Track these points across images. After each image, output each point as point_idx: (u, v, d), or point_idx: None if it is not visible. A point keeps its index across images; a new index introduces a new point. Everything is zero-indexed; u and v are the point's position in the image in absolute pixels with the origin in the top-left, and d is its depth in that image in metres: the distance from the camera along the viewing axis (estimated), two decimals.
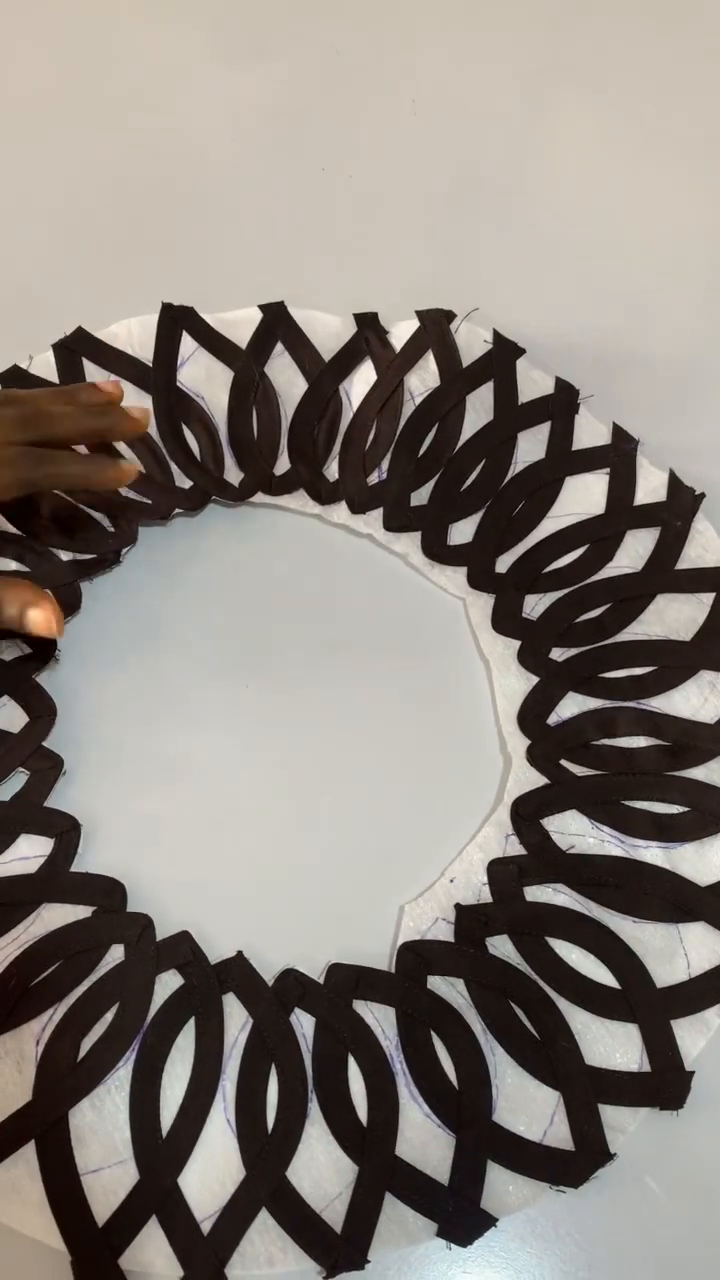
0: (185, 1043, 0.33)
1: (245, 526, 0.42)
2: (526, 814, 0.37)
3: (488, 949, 0.35)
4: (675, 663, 0.39)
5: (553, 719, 0.38)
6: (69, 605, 0.39)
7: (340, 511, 0.42)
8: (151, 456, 0.42)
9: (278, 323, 0.44)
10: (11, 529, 0.40)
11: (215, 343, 0.43)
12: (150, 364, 0.43)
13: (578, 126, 0.52)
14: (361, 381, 0.43)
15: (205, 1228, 0.30)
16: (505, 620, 0.40)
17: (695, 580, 0.41)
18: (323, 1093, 0.32)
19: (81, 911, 0.35)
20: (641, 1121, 0.33)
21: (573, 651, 0.40)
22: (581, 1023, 0.34)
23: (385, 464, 0.42)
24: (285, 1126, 0.32)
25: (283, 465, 0.42)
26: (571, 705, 0.39)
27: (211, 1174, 0.31)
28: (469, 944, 0.34)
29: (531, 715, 0.38)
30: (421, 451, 0.42)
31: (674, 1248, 0.31)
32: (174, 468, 0.42)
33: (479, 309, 0.44)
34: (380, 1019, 0.33)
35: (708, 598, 0.40)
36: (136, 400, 0.43)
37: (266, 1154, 0.31)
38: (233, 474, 0.42)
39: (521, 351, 0.43)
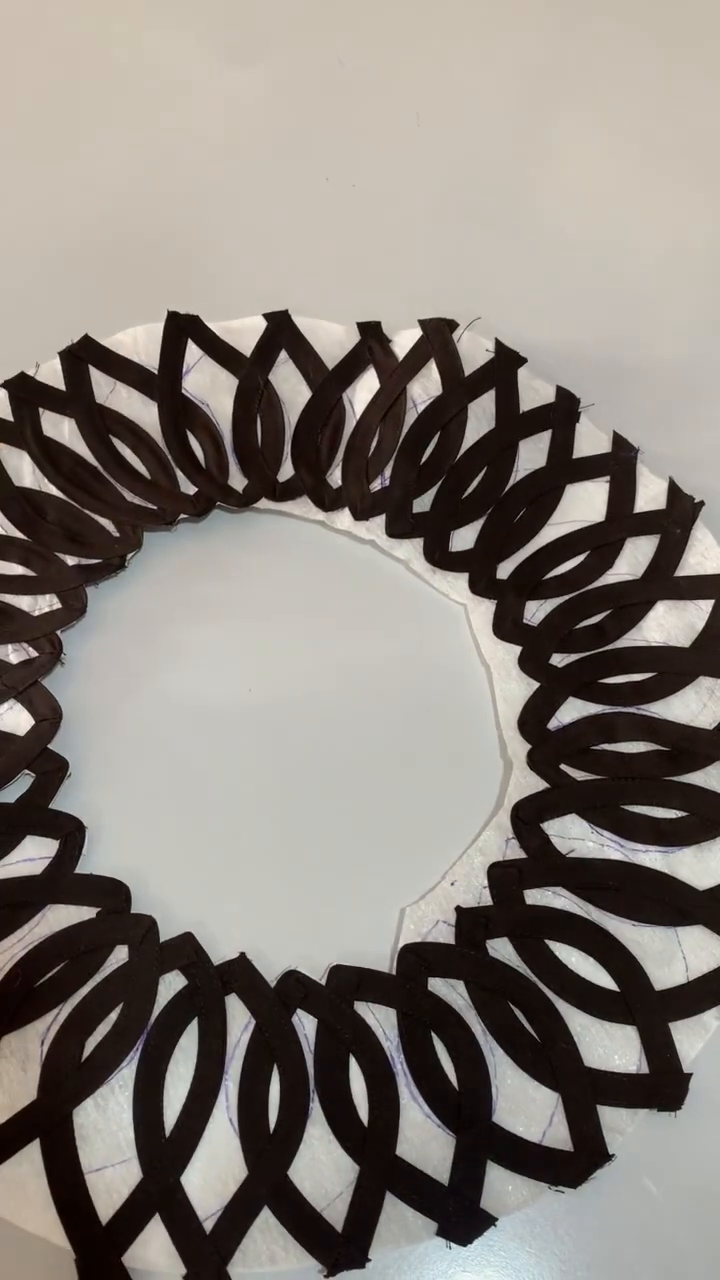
0: (188, 1043, 0.33)
1: (249, 532, 0.42)
2: (527, 818, 0.37)
3: (488, 951, 0.35)
4: (675, 669, 0.40)
5: (553, 724, 0.39)
6: (75, 610, 0.40)
7: (343, 518, 0.42)
8: (157, 463, 0.42)
9: (282, 331, 0.44)
10: (17, 533, 0.41)
11: (220, 350, 0.44)
12: (156, 371, 0.43)
13: (581, 138, 0.53)
14: (365, 389, 0.44)
15: (208, 1226, 0.31)
16: (506, 626, 0.40)
17: (695, 587, 0.41)
18: (324, 1093, 0.33)
19: (86, 913, 0.35)
20: (640, 1123, 0.33)
21: (573, 657, 0.40)
22: (580, 1025, 0.34)
23: (388, 471, 0.42)
24: (287, 1126, 0.32)
25: (286, 472, 0.43)
26: (572, 710, 0.39)
27: (214, 1173, 0.32)
28: (469, 946, 0.35)
29: (532, 720, 0.39)
30: (424, 459, 0.43)
31: (672, 1247, 0.32)
32: (179, 474, 0.42)
33: (481, 318, 0.45)
34: (381, 1020, 0.34)
35: (707, 604, 0.41)
36: (142, 407, 0.43)
37: (268, 1153, 0.32)
38: (237, 480, 0.42)
39: (523, 361, 0.44)
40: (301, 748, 0.38)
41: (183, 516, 0.42)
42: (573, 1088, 0.33)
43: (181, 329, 0.44)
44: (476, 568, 0.41)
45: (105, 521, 0.41)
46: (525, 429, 0.43)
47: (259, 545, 0.42)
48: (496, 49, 0.55)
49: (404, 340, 0.44)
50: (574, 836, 0.37)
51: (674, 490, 0.42)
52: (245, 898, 0.36)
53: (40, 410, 0.42)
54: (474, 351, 0.44)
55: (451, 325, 0.44)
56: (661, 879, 0.36)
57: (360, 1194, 0.31)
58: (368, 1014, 0.34)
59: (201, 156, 0.51)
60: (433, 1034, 0.34)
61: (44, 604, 0.40)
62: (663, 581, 0.41)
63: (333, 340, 0.45)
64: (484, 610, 0.41)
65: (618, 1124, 0.33)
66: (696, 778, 0.38)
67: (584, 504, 0.42)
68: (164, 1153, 0.32)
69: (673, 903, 0.36)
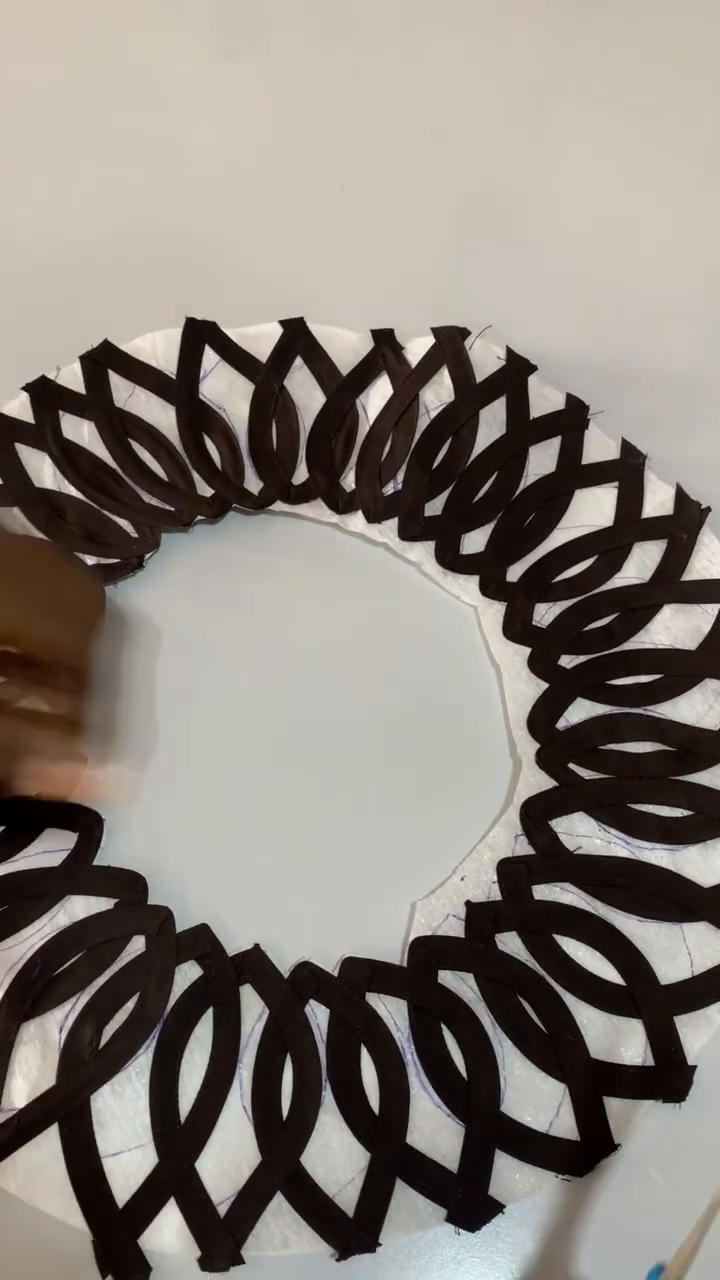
0: (203, 1032, 0.34)
1: (264, 534, 0.43)
2: (536, 815, 0.38)
3: (497, 945, 0.36)
4: (681, 671, 0.40)
5: (561, 724, 0.40)
6: None
7: (356, 521, 0.43)
8: (174, 465, 0.43)
9: (298, 338, 0.45)
10: (38, 533, 0.42)
11: (237, 356, 0.45)
12: (174, 376, 0.44)
13: (593, 149, 0.53)
14: (378, 395, 0.44)
15: (222, 1210, 0.31)
16: (516, 628, 0.41)
17: (701, 591, 0.42)
18: (336, 1082, 0.33)
19: (104, 903, 0.36)
20: (645, 1114, 0.33)
21: (581, 659, 0.41)
22: (587, 1018, 0.35)
23: (400, 475, 0.43)
24: (300, 1114, 0.33)
25: (301, 475, 0.43)
26: (580, 711, 0.40)
27: (228, 1159, 0.32)
28: (479, 940, 0.35)
29: (541, 720, 0.40)
30: (435, 464, 0.44)
31: (675, 1236, 0.32)
32: (196, 477, 0.43)
33: (492, 326, 0.46)
34: (392, 1011, 0.34)
35: (713, 608, 0.41)
36: (160, 411, 0.44)
37: (281, 1140, 0.32)
38: (252, 483, 0.43)
39: (533, 368, 0.45)
40: (315, 745, 0.39)
41: (199, 518, 0.42)
42: (579, 1079, 0.34)
43: (199, 335, 0.45)
44: (487, 571, 0.42)
45: (123, 522, 0.42)
46: (535, 435, 0.44)
47: (274, 547, 0.43)
48: (507, 62, 0.56)
49: (416, 348, 0.45)
50: (581, 834, 0.38)
51: (681, 496, 0.43)
52: (259, 890, 0.37)
53: (61, 413, 0.43)
54: (485, 359, 0.45)
55: (464, 333, 0.45)
56: (667, 875, 0.37)
57: (371, 1180, 0.32)
58: (379, 1005, 0.34)
59: (220, 166, 0.52)
60: (443, 1025, 0.34)
61: None
62: (670, 585, 0.42)
63: (346, 347, 0.45)
64: (494, 612, 0.42)
65: (623, 1114, 0.33)
66: (702, 777, 0.39)
67: (593, 509, 0.43)
68: (179, 1138, 0.32)
69: (678, 899, 0.36)
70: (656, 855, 0.37)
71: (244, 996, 0.35)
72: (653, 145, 0.54)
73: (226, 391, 0.45)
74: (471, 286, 0.48)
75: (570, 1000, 0.35)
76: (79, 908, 0.36)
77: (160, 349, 0.45)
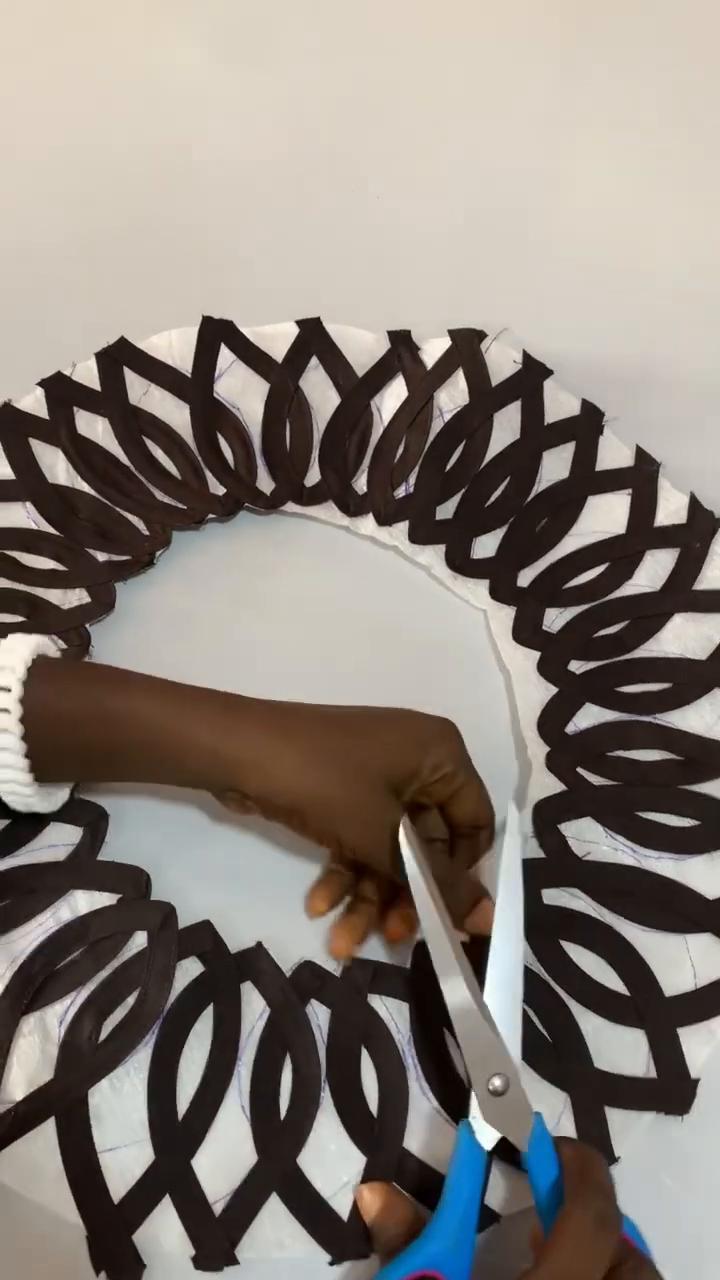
0: (203, 1028, 0.34)
1: (275, 534, 0.43)
2: (547, 817, 0.37)
3: None
4: (690, 680, 0.40)
5: (570, 729, 0.39)
6: (104, 604, 0.41)
7: (368, 523, 0.43)
8: (187, 463, 0.43)
9: (313, 338, 0.45)
10: (50, 529, 0.42)
11: (252, 356, 0.45)
12: (189, 374, 0.44)
13: (611, 156, 0.53)
14: (393, 397, 0.45)
15: (217, 1209, 0.31)
16: (526, 632, 0.41)
17: (712, 601, 0.41)
18: (335, 1083, 0.33)
19: (107, 898, 0.36)
20: (647, 1127, 0.33)
21: (591, 665, 0.40)
22: (593, 1026, 0.34)
23: (412, 478, 0.43)
24: (297, 1114, 0.33)
25: (313, 476, 0.43)
26: (588, 717, 0.40)
27: (224, 1157, 0.32)
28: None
29: (550, 724, 0.39)
30: (448, 467, 0.44)
31: (678, 1247, 0.32)
32: (209, 475, 0.43)
33: (509, 329, 0.45)
34: (393, 1013, 0.34)
35: None
36: (175, 409, 0.44)
37: (279, 1140, 0.32)
38: (264, 483, 0.43)
39: (549, 373, 0.45)
40: None
41: (211, 516, 0.43)
42: (581, 1089, 0.33)
43: (215, 333, 0.45)
44: (498, 575, 0.42)
45: (135, 519, 0.42)
46: (550, 440, 0.44)
47: (285, 547, 0.43)
48: (524, 66, 0.56)
49: (433, 349, 0.45)
50: (589, 840, 0.37)
51: (695, 505, 0.43)
52: (263, 888, 0.36)
53: (75, 409, 0.44)
54: (502, 362, 0.45)
55: (480, 335, 0.45)
56: (672, 886, 0.37)
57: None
58: (380, 1006, 0.34)
59: (236, 166, 0.52)
60: (444, 1029, 0.34)
61: (74, 598, 0.41)
62: (681, 594, 0.42)
63: (363, 348, 0.45)
64: (504, 616, 0.42)
65: (624, 1126, 0.33)
66: (709, 788, 0.38)
67: (605, 516, 0.43)
68: (176, 1135, 0.32)
69: (683, 910, 0.36)
70: (663, 865, 0.37)
71: (245, 994, 0.34)
72: (669, 151, 0.54)
73: (241, 390, 0.45)
74: (487, 289, 0.48)
75: (575, 1009, 0.35)
76: (82, 903, 0.36)
77: (176, 347, 0.45)
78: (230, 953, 0.35)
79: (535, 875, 0.36)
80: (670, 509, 0.43)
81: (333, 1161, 0.32)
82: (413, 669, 0.41)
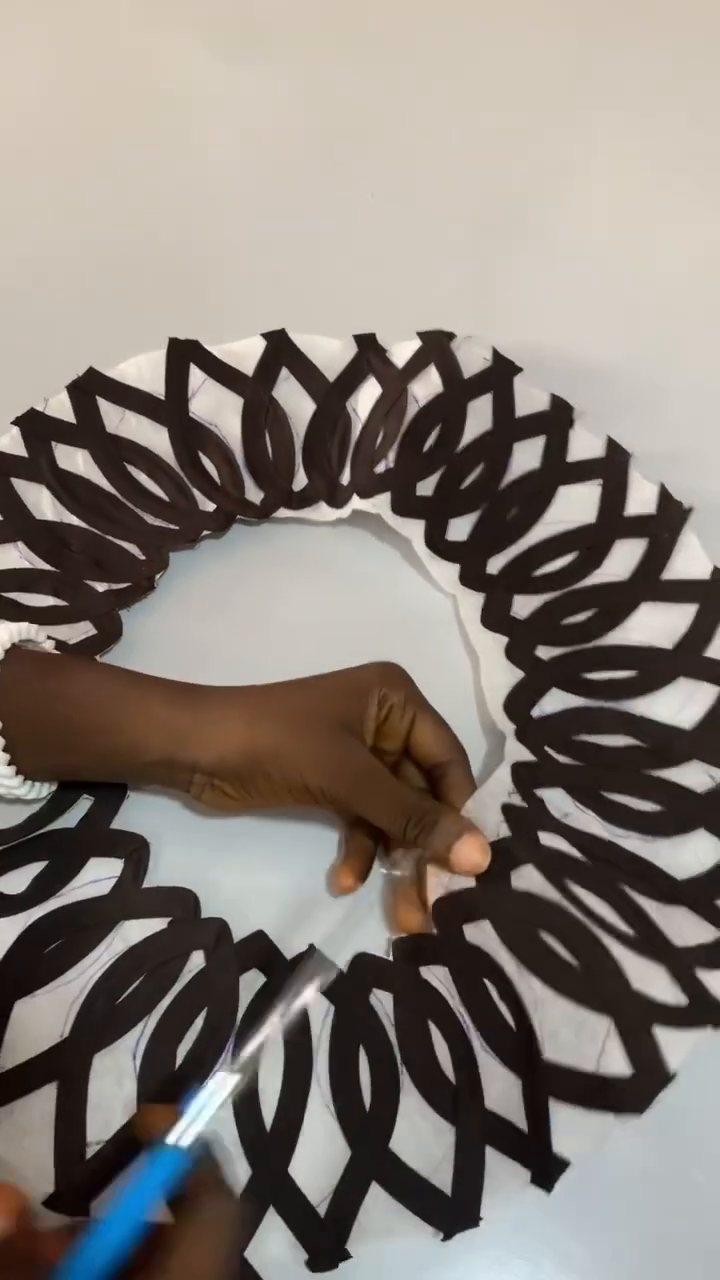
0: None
1: (272, 542, 0.44)
2: (524, 779, 0.38)
3: (511, 882, 0.35)
4: (656, 669, 0.40)
5: (536, 712, 0.39)
6: (110, 634, 0.41)
7: (351, 502, 0.43)
8: (173, 485, 0.43)
9: (281, 349, 0.46)
10: (45, 565, 0.42)
11: (223, 373, 0.45)
12: (162, 398, 0.44)
13: (583, 155, 0.55)
14: (368, 397, 0.45)
15: (321, 1210, 0.32)
16: (494, 618, 0.41)
17: (680, 591, 0.42)
18: (411, 1063, 0.34)
19: (158, 924, 0.36)
20: (664, 1122, 0.33)
21: (558, 651, 0.41)
22: (619, 954, 0.34)
23: (392, 455, 0.43)
24: (382, 1100, 0.33)
25: (300, 481, 0.44)
26: (555, 702, 0.40)
27: (318, 1157, 0.32)
28: (491, 881, 0.35)
29: (516, 706, 0.40)
30: (425, 448, 0.44)
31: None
32: (196, 494, 0.43)
33: (479, 334, 0.46)
34: (441, 979, 0.35)
35: (691, 608, 0.41)
36: (153, 433, 0.44)
37: (368, 1130, 0.33)
38: (252, 494, 0.44)
39: (518, 370, 0.45)
40: None
41: (205, 533, 0.43)
42: (628, 1011, 0.33)
43: (183, 355, 0.45)
44: (468, 561, 0.42)
45: (129, 546, 0.42)
46: (521, 432, 0.44)
47: (283, 554, 0.43)
48: (515, 68, 0.57)
49: (401, 351, 0.46)
50: (562, 809, 0.38)
51: (664, 496, 0.43)
52: (305, 892, 0.37)
53: (54, 444, 0.43)
54: (472, 362, 0.45)
55: (449, 337, 0.46)
56: (643, 861, 0.36)
57: (461, 1154, 0.32)
58: (432, 978, 0.35)
59: (191, 181, 0.52)
60: (487, 983, 0.34)
61: (79, 631, 0.41)
62: (649, 584, 0.42)
63: (329, 355, 0.46)
64: (473, 602, 0.42)
65: (676, 1043, 0.33)
66: (672, 774, 0.38)
67: (576, 505, 0.43)
68: (269, 1145, 0.32)
69: (656, 885, 0.36)
70: (631, 843, 0.37)
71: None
72: (650, 153, 0.55)
73: (216, 408, 0.45)
74: (456, 289, 0.49)
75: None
76: (133, 932, 0.36)
77: (146, 372, 0.45)
78: (286, 959, 0.35)
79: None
80: (640, 499, 0.43)
81: (424, 1139, 0.33)
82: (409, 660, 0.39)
